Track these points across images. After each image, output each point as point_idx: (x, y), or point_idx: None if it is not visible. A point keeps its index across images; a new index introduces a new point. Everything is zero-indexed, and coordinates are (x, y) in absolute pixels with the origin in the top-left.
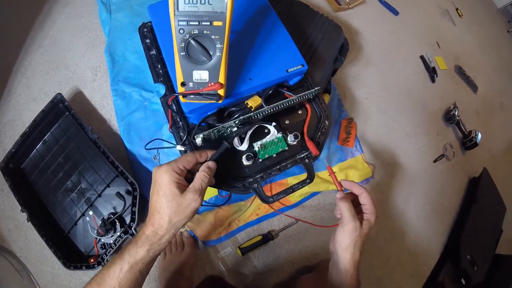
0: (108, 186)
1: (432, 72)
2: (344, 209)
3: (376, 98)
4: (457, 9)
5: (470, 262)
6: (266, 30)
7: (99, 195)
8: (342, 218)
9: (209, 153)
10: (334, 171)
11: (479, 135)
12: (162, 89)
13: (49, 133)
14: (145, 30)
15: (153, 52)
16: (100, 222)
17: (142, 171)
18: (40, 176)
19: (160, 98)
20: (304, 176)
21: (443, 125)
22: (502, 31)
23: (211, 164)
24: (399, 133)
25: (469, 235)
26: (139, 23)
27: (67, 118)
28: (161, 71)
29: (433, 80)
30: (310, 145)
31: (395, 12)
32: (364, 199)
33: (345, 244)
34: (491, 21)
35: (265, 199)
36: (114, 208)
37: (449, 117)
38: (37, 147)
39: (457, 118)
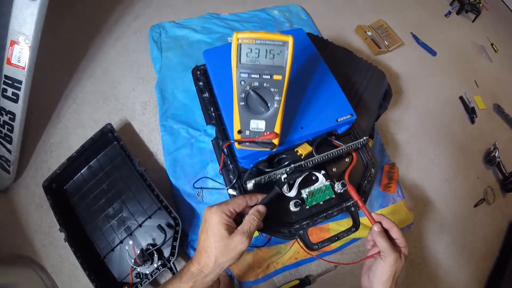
0: (149, 217)
1: (471, 113)
2: (383, 242)
3: (417, 142)
4: (492, 44)
5: None
6: (316, 79)
7: (140, 225)
8: (382, 251)
9: (260, 197)
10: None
11: None
12: (209, 129)
13: (95, 159)
14: (198, 72)
15: (206, 95)
16: (139, 252)
17: (184, 207)
18: (82, 200)
19: (212, 141)
20: (344, 221)
21: (483, 168)
22: None
23: (261, 208)
24: (440, 177)
25: (508, 283)
26: (188, 63)
27: (115, 147)
28: (213, 114)
29: (472, 121)
30: (351, 190)
31: (433, 53)
32: (396, 233)
33: (385, 277)
34: None
35: (310, 247)
36: (154, 239)
37: (489, 159)
38: (81, 171)
39: (498, 159)
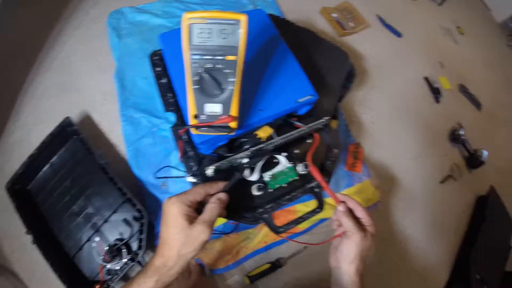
0: (115, 212)
1: (436, 93)
2: (349, 221)
3: (382, 121)
4: (458, 27)
5: (480, 281)
6: (276, 60)
7: (106, 221)
8: (348, 230)
9: (221, 185)
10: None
11: (485, 153)
12: (171, 116)
13: (57, 156)
14: (156, 58)
15: (164, 80)
16: (107, 248)
17: (149, 198)
18: (46, 199)
19: (171, 128)
20: (311, 202)
21: (449, 146)
22: (503, 46)
23: (222, 195)
24: (406, 156)
25: (478, 254)
26: (148, 49)
27: (75, 142)
28: (171, 100)
29: (437, 101)
30: (314, 171)
31: (398, 34)
32: (360, 213)
33: (351, 256)
34: (493, 36)
35: (275, 230)
36: (121, 234)
37: (455, 137)
38: (44, 169)
39: (463, 137)
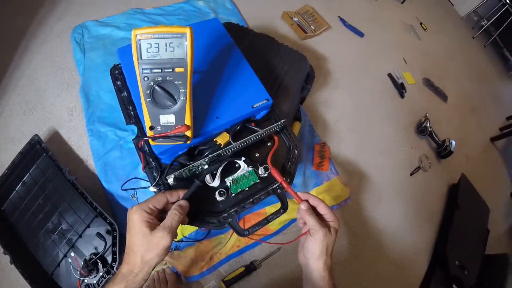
0: (88, 226)
1: (400, 88)
2: (311, 219)
3: (347, 119)
4: (421, 23)
5: (459, 267)
6: (230, 68)
7: (80, 236)
8: (311, 227)
9: (181, 193)
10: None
11: (453, 143)
12: (136, 128)
13: (28, 174)
14: (116, 72)
15: (124, 94)
16: (82, 263)
17: (121, 210)
18: (21, 218)
19: (133, 140)
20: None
21: (416, 138)
22: (467, 38)
23: (182, 202)
24: (373, 151)
25: (455, 241)
26: (112, 62)
27: (45, 159)
28: (132, 112)
29: (402, 96)
30: (274, 173)
31: (360, 34)
32: (323, 209)
33: (317, 252)
34: (456, 30)
35: (241, 233)
36: (96, 248)
37: (421, 129)
38: (16, 189)
39: (429, 129)
